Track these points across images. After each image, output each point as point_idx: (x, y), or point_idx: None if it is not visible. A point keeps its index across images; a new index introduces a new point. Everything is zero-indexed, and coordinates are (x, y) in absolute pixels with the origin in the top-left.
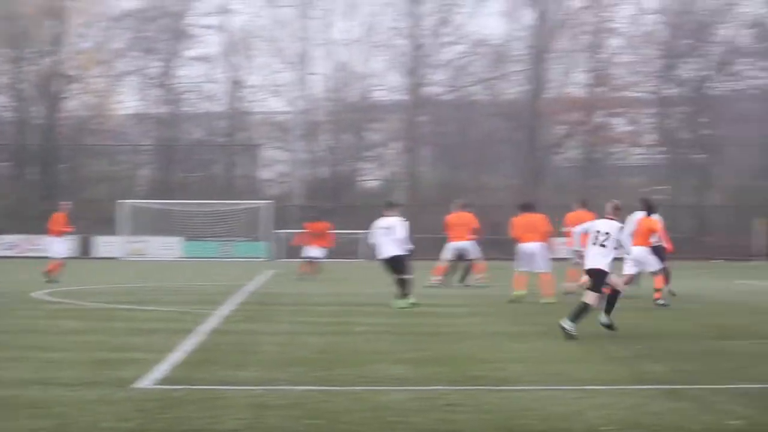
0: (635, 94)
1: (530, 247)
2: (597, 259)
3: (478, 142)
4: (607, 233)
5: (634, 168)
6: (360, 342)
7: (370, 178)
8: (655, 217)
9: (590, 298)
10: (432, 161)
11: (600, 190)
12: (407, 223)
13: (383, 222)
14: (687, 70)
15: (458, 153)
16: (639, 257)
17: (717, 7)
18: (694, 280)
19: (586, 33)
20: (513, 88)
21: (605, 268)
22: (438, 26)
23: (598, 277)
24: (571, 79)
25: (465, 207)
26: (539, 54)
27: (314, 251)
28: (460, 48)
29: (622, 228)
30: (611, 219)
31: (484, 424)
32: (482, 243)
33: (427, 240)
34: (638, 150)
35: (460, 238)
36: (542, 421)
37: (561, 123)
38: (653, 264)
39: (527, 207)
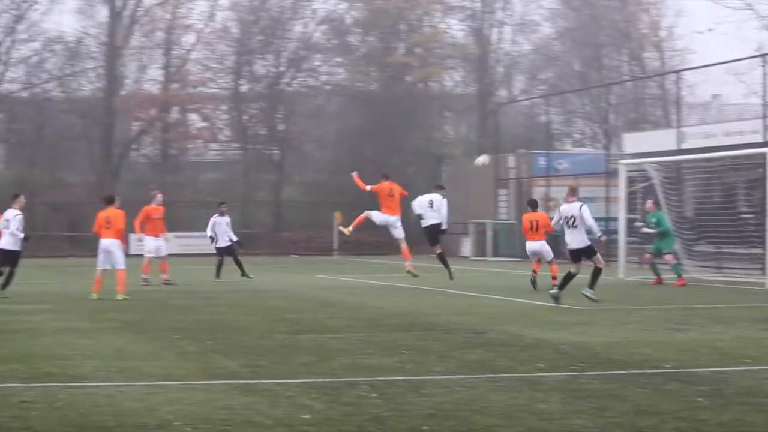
0: (210, 91)
1: (108, 243)
2: (574, 239)
3: (53, 139)
4: (573, 216)
5: (211, 164)
6: None
7: None
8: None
9: (598, 263)
10: (6, 159)
11: (177, 186)
12: (21, 216)
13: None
14: (261, 66)
15: (34, 150)
16: (535, 249)
17: (290, 3)
18: (271, 275)
19: (160, 29)
20: (88, 85)
21: (584, 245)
22: (13, 23)
23: (587, 251)
24: (146, 76)
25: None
26: (114, 50)
27: None
28: (35, 45)
29: (582, 206)
30: (571, 202)
31: (57, 421)
32: (60, 240)
33: None
34: (214, 146)
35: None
36: (114, 416)
37: (137, 120)
38: (549, 254)
39: (110, 200)
